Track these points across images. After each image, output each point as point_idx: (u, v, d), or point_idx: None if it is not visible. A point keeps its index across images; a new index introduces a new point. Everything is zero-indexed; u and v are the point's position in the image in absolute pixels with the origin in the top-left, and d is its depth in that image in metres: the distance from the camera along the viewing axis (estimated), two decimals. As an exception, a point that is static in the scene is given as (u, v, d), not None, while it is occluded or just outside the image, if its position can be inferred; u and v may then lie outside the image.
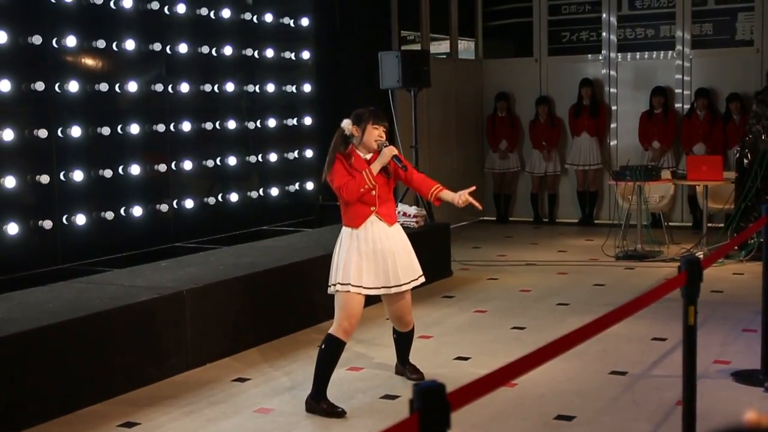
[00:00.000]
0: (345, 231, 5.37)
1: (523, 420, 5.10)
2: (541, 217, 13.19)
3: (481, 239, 11.70)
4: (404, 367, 5.92)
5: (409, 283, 5.47)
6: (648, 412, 5.14)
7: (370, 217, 5.34)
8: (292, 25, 10.03)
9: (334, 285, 5.31)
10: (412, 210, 9.06)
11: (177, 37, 8.46)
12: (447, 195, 5.44)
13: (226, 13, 9.01)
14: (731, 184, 9.93)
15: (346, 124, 5.42)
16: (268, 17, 9.64)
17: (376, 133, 5.37)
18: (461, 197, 5.36)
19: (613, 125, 12.80)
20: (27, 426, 5.06)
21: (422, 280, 5.57)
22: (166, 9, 8.33)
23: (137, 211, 8.02)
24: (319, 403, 5.27)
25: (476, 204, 5.40)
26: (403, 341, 5.87)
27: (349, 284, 5.27)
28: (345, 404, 5.41)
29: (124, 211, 7.91)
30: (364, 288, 5.30)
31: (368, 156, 5.42)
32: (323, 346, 5.33)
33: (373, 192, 5.33)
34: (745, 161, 9.71)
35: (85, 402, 5.39)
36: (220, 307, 6.44)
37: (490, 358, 6.22)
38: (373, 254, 5.32)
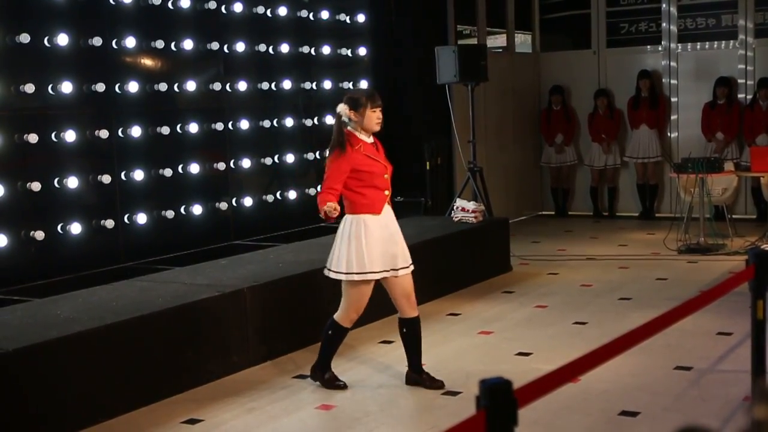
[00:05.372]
0: (366, 218, 5.35)
1: (587, 416, 5.04)
2: (601, 210, 13.04)
3: (541, 234, 11.61)
4: (419, 375, 5.62)
5: (410, 264, 5.51)
6: (715, 408, 5.04)
7: (385, 201, 5.42)
8: (348, 21, 10.03)
9: (352, 273, 5.34)
10: (471, 205, 9.01)
11: (234, 35, 8.51)
12: None
13: (282, 11, 9.04)
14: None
15: (343, 109, 5.47)
16: (324, 14, 9.65)
17: (375, 116, 5.42)
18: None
19: (673, 117, 12.60)
20: (92, 423, 5.12)
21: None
22: (223, 8, 8.38)
23: (197, 209, 8.08)
24: (324, 374, 5.65)
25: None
26: (413, 335, 5.61)
27: (368, 272, 5.35)
28: (406, 401, 5.41)
29: (184, 209, 7.98)
30: (377, 273, 5.38)
31: (369, 139, 5.46)
32: (330, 332, 5.59)
33: (386, 175, 5.42)
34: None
35: (149, 399, 5.44)
36: (281, 304, 6.46)
37: (552, 353, 6.16)
38: (389, 237, 5.40)
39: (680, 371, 5.74)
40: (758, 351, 4.29)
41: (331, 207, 5.20)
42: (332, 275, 5.45)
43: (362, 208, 5.37)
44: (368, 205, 5.37)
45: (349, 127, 5.45)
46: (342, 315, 5.53)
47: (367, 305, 5.57)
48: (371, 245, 5.32)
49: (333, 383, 5.65)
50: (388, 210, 5.46)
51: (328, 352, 5.67)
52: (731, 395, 5.21)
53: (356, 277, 5.34)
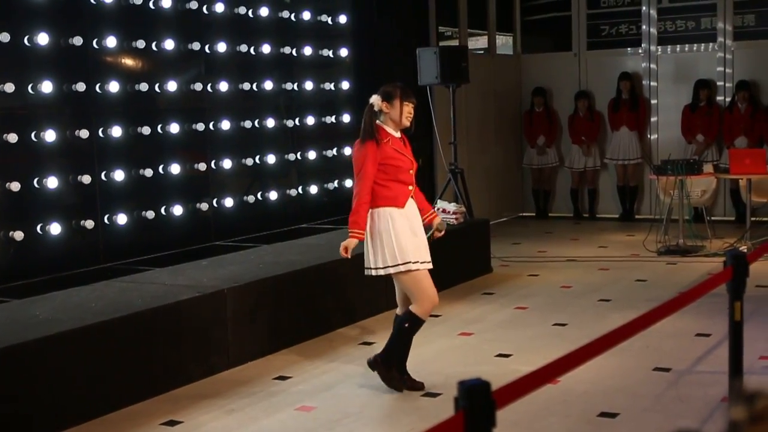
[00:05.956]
0: (391, 211, 5.37)
1: (566, 417, 5.06)
2: (581, 212, 13.09)
3: (521, 235, 11.64)
4: (402, 375, 5.58)
5: (429, 261, 5.54)
6: (693, 409, 5.07)
7: (408, 195, 5.45)
8: (329, 22, 10.03)
9: (388, 267, 5.34)
10: (452, 207, 9.02)
11: (216, 36, 8.49)
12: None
13: (264, 11, 9.03)
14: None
15: (376, 100, 5.47)
16: (306, 15, 9.64)
17: (406, 110, 5.44)
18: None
19: (653, 119, 12.67)
20: (72, 424, 5.09)
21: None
22: (204, 8, 8.36)
23: (177, 210, 8.05)
24: (392, 370, 5.52)
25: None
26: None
27: (411, 262, 5.33)
28: (386, 402, 5.41)
29: (165, 210, 7.95)
30: (414, 263, 5.36)
31: (397, 133, 5.48)
32: (407, 325, 5.46)
33: (411, 171, 5.45)
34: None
35: (128, 400, 5.43)
36: (261, 305, 6.45)
37: (532, 354, 6.18)
38: (414, 232, 5.43)
39: (659, 372, 5.77)
40: (736, 352, 4.33)
41: (352, 245, 5.39)
42: (372, 273, 5.44)
43: (386, 201, 5.40)
44: (392, 198, 5.40)
45: (378, 121, 5.47)
46: (417, 308, 5.43)
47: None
48: (400, 236, 5.35)
49: (411, 384, 5.55)
50: (411, 204, 5.49)
51: (403, 346, 5.52)
52: (709, 396, 5.24)
53: (392, 270, 5.35)
